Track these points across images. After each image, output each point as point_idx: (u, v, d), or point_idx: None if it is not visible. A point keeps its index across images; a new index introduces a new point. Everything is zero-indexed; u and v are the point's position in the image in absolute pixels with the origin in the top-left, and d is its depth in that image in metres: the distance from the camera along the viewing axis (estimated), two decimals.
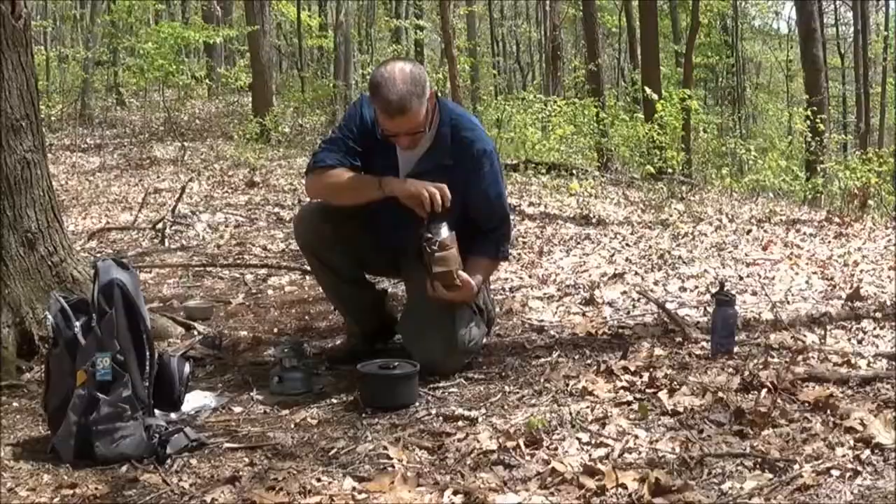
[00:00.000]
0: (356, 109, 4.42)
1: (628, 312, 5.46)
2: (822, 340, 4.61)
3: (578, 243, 8.32)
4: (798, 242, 8.06)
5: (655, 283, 6.25)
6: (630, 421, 3.54)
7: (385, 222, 4.39)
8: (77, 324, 3.49)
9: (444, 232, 4.11)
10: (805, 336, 4.69)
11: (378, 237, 4.48)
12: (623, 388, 3.95)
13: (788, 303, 5.55)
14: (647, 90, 15.49)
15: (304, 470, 3.23)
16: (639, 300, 5.71)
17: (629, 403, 3.75)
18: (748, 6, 38.76)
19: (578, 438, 3.38)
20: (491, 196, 4.39)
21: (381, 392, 4.02)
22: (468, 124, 4.36)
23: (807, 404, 3.59)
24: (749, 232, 8.76)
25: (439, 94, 4.42)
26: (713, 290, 5.41)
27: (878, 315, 5.10)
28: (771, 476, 2.95)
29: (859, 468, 2.97)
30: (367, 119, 4.33)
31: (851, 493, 2.85)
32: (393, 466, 3.23)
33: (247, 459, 3.39)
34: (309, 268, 4.69)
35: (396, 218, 4.28)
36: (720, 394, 3.72)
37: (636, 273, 6.62)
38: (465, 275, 4.19)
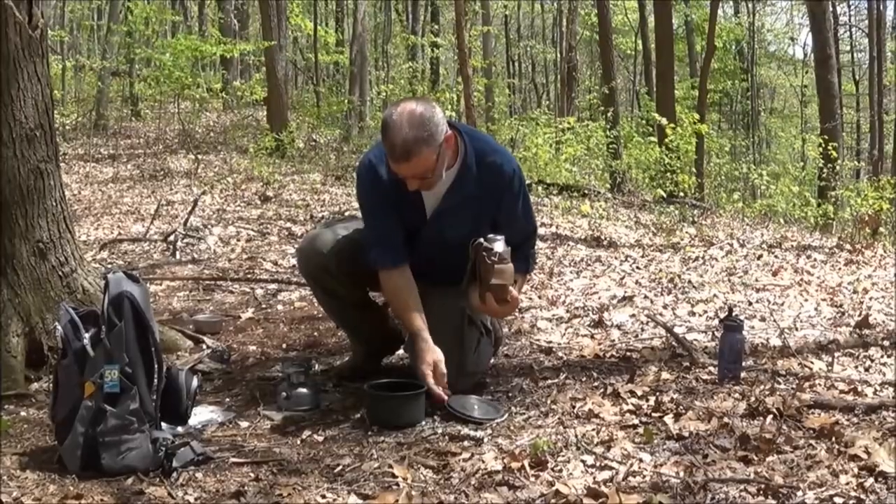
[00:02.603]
0: (368, 175, 4.29)
1: (636, 336, 5.46)
2: (830, 367, 4.61)
3: (589, 265, 8.32)
4: (808, 269, 8.04)
5: (664, 307, 6.24)
6: (635, 444, 3.54)
7: (423, 258, 4.35)
8: (86, 335, 3.51)
9: (501, 245, 4.09)
10: (812, 363, 4.69)
11: (415, 268, 4.43)
12: (629, 411, 3.95)
13: (797, 329, 5.55)
14: (657, 116, 15.51)
15: (310, 486, 3.23)
16: (647, 324, 5.71)
17: (635, 427, 3.75)
18: (764, 31, 38.83)
19: (583, 461, 3.38)
20: (520, 213, 4.40)
21: (389, 411, 4.01)
22: (491, 149, 4.31)
23: (812, 431, 3.59)
24: (760, 257, 8.75)
25: (458, 124, 4.37)
26: (722, 315, 5.41)
27: (886, 343, 5.09)
28: (774, 502, 2.95)
29: (863, 496, 2.96)
30: (383, 178, 4.22)
31: None
32: (398, 485, 3.24)
33: (252, 474, 3.39)
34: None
35: (436, 254, 4.30)
36: (726, 419, 3.72)
37: (645, 296, 6.62)
38: (514, 291, 4.18)
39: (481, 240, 4.08)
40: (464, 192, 4.24)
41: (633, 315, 5.96)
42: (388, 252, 4.26)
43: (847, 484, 3.06)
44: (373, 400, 4.06)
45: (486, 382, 4.49)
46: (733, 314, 4.64)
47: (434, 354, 4.05)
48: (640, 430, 3.69)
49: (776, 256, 8.87)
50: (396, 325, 4.87)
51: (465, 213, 4.25)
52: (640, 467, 3.30)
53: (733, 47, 36.29)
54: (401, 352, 4.85)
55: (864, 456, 3.26)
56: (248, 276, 7.86)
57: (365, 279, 4.47)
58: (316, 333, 5.68)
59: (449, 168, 4.18)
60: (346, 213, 10.08)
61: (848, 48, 39.50)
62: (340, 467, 3.43)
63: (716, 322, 5.63)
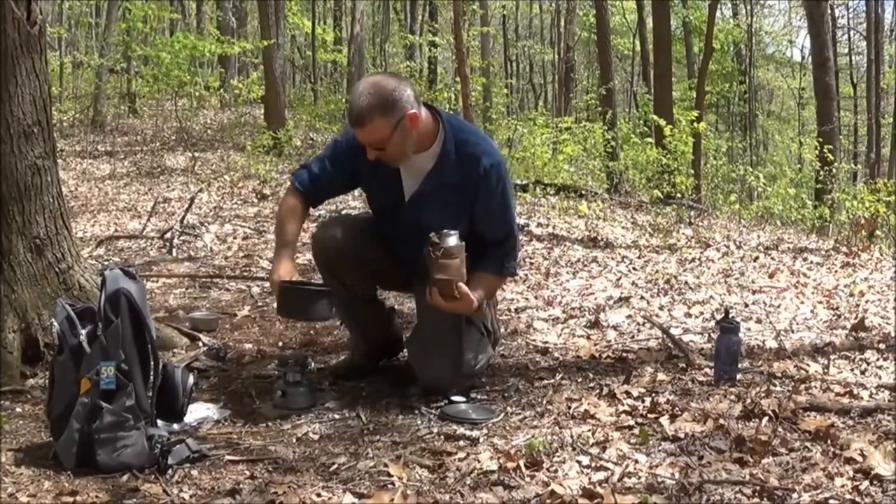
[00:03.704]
0: (350, 134, 4.35)
1: (633, 337, 5.47)
2: (825, 370, 4.62)
3: (585, 266, 8.32)
4: (805, 271, 8.05)
5: (661, 308, 6.25)
6: (631, 445, 3.54)
7: (402, 242, 4.39)
8: (82, 332, 3.51)
9: (453, 241, 4.04)
10: (808, 365, 4.70)
11: (396, 254, 4.49)
12: (625, 412, 3.95)
13: (793, 331, 5.56)
14: (655, 117, 15.53)
15: (305, 484, 3.23)
16: (643, 325, 5.71)
17: (630, 428, 3.75)
18: (762, 33, 38.86)
19: (579, 461, 3.38)
20: (496, 210, 4.32)
21: (296, 304, 4.22)
22: (474, 139, 4.32)
23: (807, 434, 3.59)
24: (756, 259, 8.76)
25: (444, 112, 4.38)
26: (718, 317, 5.42)
27: (882, 346, 5.10)
28: None
29: (858, 499, 2.97)
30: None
31: None
32: (393, 484, 3.24)
33: (248, 472, 3.39)
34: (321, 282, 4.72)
35: (414, 238, 4.28)
36: (721, 421, 3.73)
37: (642, 297, 6.63)
38: (465, 288, 4.11)
39: (433, 233, 4.05)
40: (442, 178, 4.25)
41: (629, 316, 5.97)
42: (309, 185, 4.47)
43: (842, 487, 3.07)
44: (283, 292, 4.20)
45: (483, 382, 4.50)
46: (729, 316, 4.64)
47: (288, 270, 4.27)
48: (636, 431, 3.69)
49: (772, 258, 8.88)
50: (400, 330, 4.88)
51: (443, 201, 4.25)
52: (635, 468, 3.30)
53: (731, 49, 36.35)
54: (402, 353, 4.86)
55: (860, 459, 3.26)
56: (245, 273, 7.85)
57: (375, 272, 4.50)
58: (312, 332, 5.68)
59: (423, 150, 4.23)
60: (343, 212, 10.06)
61: (846, 51, 39.58)
62: (336, 466, 3.43)
63: (712, 324, 5.64)
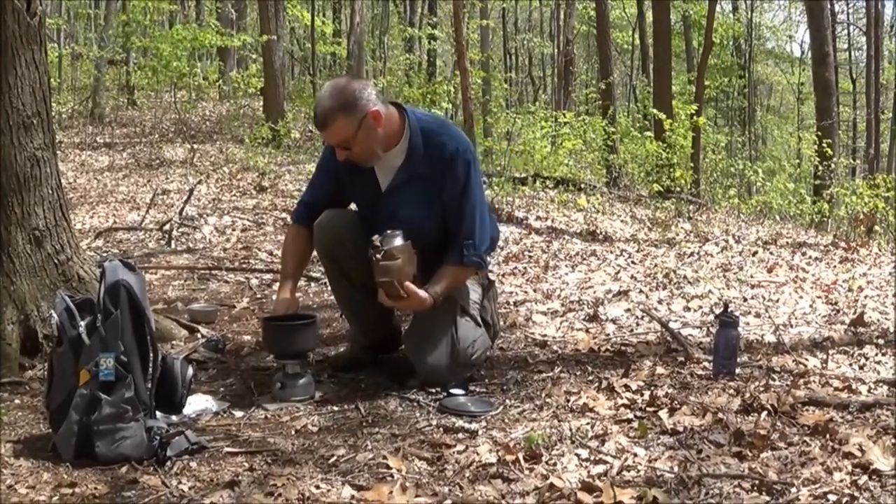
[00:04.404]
0: (329, 148, 4.51)
1: (631, 330, 5.46)
2: (824, 365, 4.61)
3: (584, 259, 8.33)
4: (803, 266, 8.05)
5: (660, 302, 6.25)
6: (630, 439, 3.54)
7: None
8: (82, 323, 3.51)
9: (397, 241, 4.12)
10: (807, 360, 4.69)
11: None
12: (624, 405, 3.95)
13: (791, 326, 5.55)
14: (654, 111, 15.52)
15: (304, 477, 3.23)
16: (642, 318, 5.71)
17: (629, 421, 3.75)
18: (762, 28, 38.82)
19: (577, 454, 3.38)
20: (461, 197, 4.35)
21: (278, 340, 4.36)
22: (439, 128, 4.39)
23: (806, 428, 3.59)
24: (755, 253, 8.76)
25: (410, 108, 4.46)
26: (717, 311, 5.42)
27: (881, 341, 5.09)
28: (768, 499, 2.95)
29: (856, 494, 2.96)
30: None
31: None
32: (392, 476, 3.24)
33: (246, 464, 3.39)
34: (323, 273, 4.76)
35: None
36: (720, 415, 3.72)
37: (641, 291, 6.63)
38: (411, 287, 4.18)
39: (375, 236, 4.14)
40: (411, 171, 4.35)
41: (628, 309, 5.97)
42: (303, 211, 4.61)
43: (841, 481, 3.06)
44: (265, 329, 4.49)
45: (481, 375, 4.50)
46: (728, 310, 4.64)
47: (288, 305, 4.42)
48: (635, 424, 3.69)
49: (771, 253, 8.88)
50: (399, 323, 4.88)
51: (416, 192, 4.35)
52: (634, 461, 3.30)
53: (731, 43, 36.31)
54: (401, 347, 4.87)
55: (859, 453, 3.26)
56: (244, 265, 7.86)
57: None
58: None
59: (393, 147, 4.33)
60: None
61: (846, 46, 39.59)
62: (335, 458, 3.43)
63: (711, 317, 5.64)
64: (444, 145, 4.31)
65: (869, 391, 4.15)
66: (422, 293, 4.24)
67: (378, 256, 4.10)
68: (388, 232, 4.12)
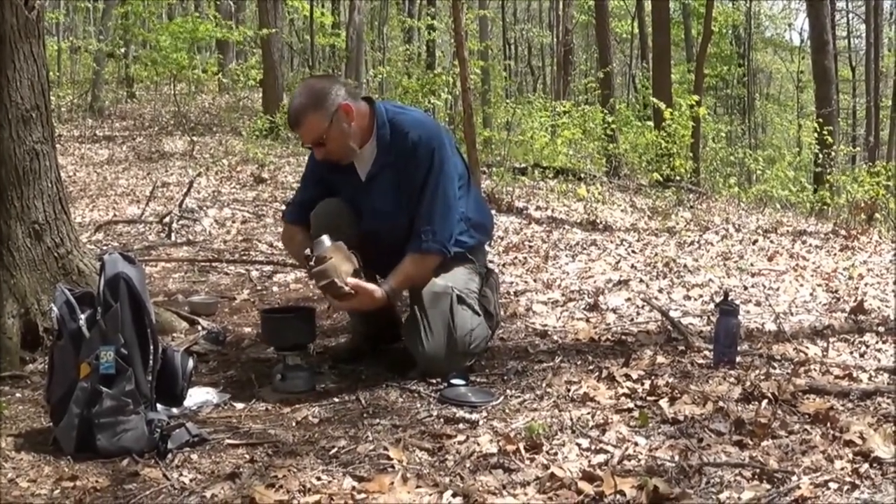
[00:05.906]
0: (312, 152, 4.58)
1: (632, 319, 5.46)
2: (825, 353, 4.61)
3: (584, 249, 8.32)
4: (804, 254, 8.05)
5: (660, 291, 6.24)
6: (630, 428, 3.54)
7: (371, 230, 4.49)
8: (82, 316, 3.51)
9: (325, 244, 4.17)
10: (807, 348, 4.69)
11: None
12: (624, 394, 3.95)
13: (792, 314, 5.55)
14: (654, 100, 15.51)
15: (305, 468, 3.24)
16: (643, 307, 5.70)
17: (630, 410, 3.75)
18: (761, 16, 38.78)
19: (578, 444, 3.38)
20: (421, 184, 4.35)
21: (274, 331, 4.45)
22: (407, 119, 4.43)
23: (807, 416, 3.59)
24: (755, 242, 8.76)
25: (385, 102, 4.56)
26: (717, 300, 5.42)
27: (881, 329, 5.09)
28: (769, 487, 2.95)
29: (857, 482, 2.96)
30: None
31: None
32: (393, 467, 3.24)
33: (247, 456, 3.40)
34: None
35: (378, 224, 4.45)
36: (721, 403, 3.72)
37: (641, 280, 6.62)
38: (356, 281, 4.19)
39: (306, 248, 4.24)
40: (382, 161, 4.41)
41: (628, 299, 5.96)
42: (294, 212, 4.67)
43: (842, 469, 3.06)
44: (263, 321, 4.56)
45: (482, 365, 4.50)
46: (729, 298, 4.63)
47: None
48: (636, 413, 3.69)
49: (772, 241, 8.88)
50: (399, 314, 4.88)
51: (387, 182, 4.41)
52: (635, 451, 3.30)
53: (730, 32, 36.27)
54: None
55: (859, 441, 3.26)
56: (244, 257, 7.86)
57: (369, 254, 4.50)
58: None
59: (367, 141, 4.41)
60: None
61: (845, 34, 39.56)
62: (336, 449, 3.43)
63: (711, 306, 5.63)
64: (407, 134, 4.35)
65: (869, 379, 4.14)
66: (370, 286, 4.25)
67: (311, 265, 4.15)
68: (316, 240, 4.20)
